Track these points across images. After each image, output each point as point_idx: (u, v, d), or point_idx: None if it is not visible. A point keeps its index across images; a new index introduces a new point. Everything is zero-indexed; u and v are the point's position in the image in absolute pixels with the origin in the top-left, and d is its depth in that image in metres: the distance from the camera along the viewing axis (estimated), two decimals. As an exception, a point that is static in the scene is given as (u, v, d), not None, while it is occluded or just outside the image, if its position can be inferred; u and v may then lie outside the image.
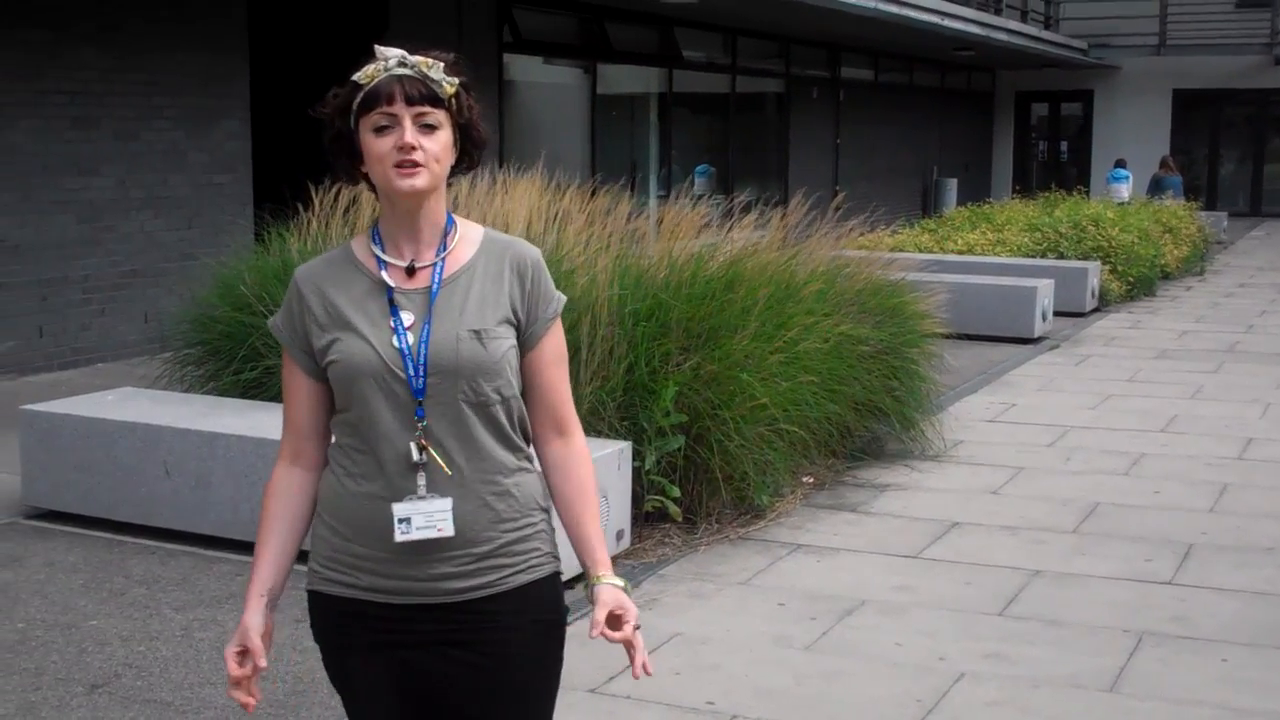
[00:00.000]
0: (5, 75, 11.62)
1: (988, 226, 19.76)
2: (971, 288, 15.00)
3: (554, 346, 3.00)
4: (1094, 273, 17.64)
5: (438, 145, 2.84)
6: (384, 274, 2.91)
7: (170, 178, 13.16)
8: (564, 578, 3.03)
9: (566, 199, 8.46)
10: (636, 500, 7.26)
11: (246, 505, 6.97)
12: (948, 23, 25.19)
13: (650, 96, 22.55)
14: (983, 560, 7.24)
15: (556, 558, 3.01)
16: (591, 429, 7.24)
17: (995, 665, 5.78)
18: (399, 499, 2.84)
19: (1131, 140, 35.28)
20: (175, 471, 7.22)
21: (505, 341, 2.90)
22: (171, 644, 5.86)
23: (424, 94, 2.82)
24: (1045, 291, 15.53)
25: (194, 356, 8.92)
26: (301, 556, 2.99)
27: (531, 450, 3.01)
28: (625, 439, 7.18)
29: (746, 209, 9.21)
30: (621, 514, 6.98)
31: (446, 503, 2.84)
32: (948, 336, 10.55)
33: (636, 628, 2.90)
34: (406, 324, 2.87)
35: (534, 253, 3.00)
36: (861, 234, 11.15)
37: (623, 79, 21.80)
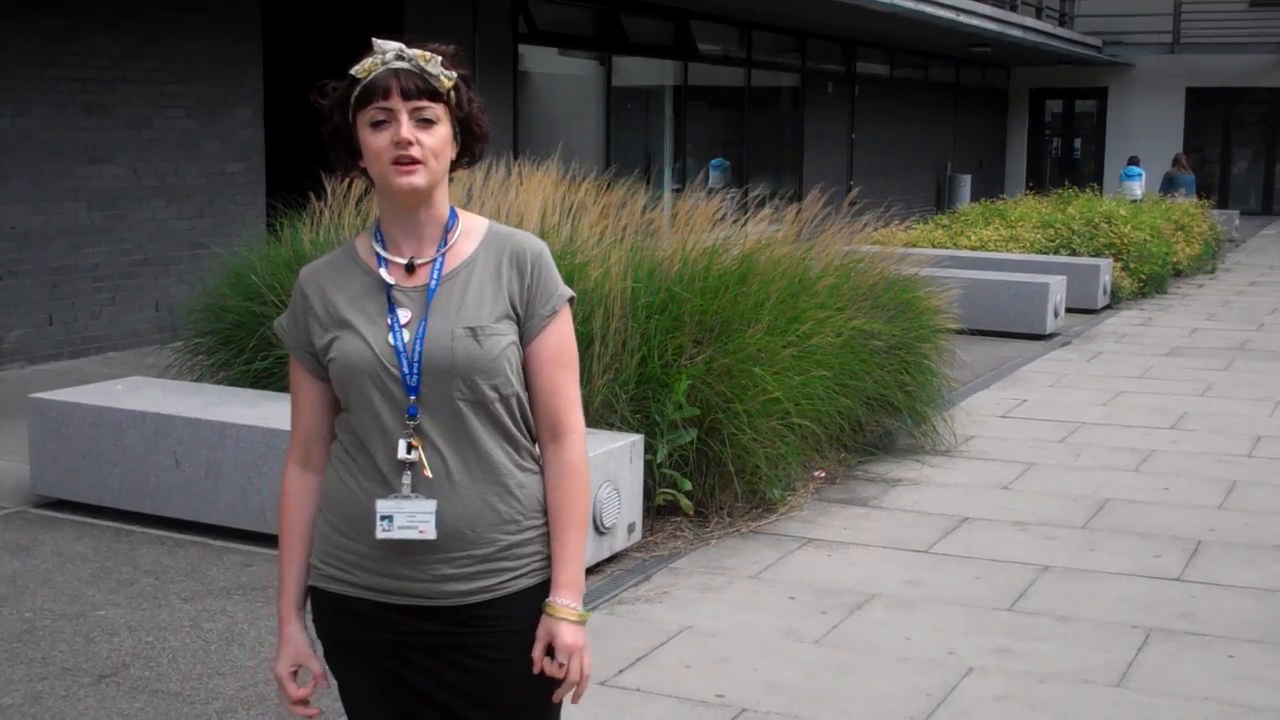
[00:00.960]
0: (19, 61, 11.62)
1: (1001, 223, 19.75)
2: (984, 284, 14.98)
3: (555, 344, 2.92)
4: (1106, 270, 17.61)
5: (436, 140, 2.81)
6: (383, 271, 2.88)
7: (182, 166, 13.16)
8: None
9: (581, 191, 8.45)
10: (648, 493, 7.25)
11: (256, 496, 6.97)
12: (964, 19, 25.15)
13: (665, 89, 22.52)
14: (992, 555, 7.23)
15: None
16: (604, 421, 7.24)
17: (1004, 660, 5.77)
18: (387, 496, 2.83)
19: (1145, 138, 35.27)
20: (185, 461, 7.22)
21: (504, 338, 2.85)
22: (180, 634, 5.86)
23: (421, 88, 2.79)
24: (1057, 288, 15.51)
25: (204, 346, 8.92)
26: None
27: (535, 449, 2.97)
28: (638, 432, 7.18)
29: (761, 203, 9.20)
30: (633, 507, 6.97)
31: (430, 504, 2.80)
32: (960, 332, 10.54)
33: (572, 667, 2.90)
34: (403, 321, 2.84)
35: (536, 245, 2.94)
36: (875, 229, 11.13)
37: (638, 71, 21.78)
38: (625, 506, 6.86)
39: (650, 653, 5.77)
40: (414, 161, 2.78)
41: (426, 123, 2.80)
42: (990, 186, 34.47)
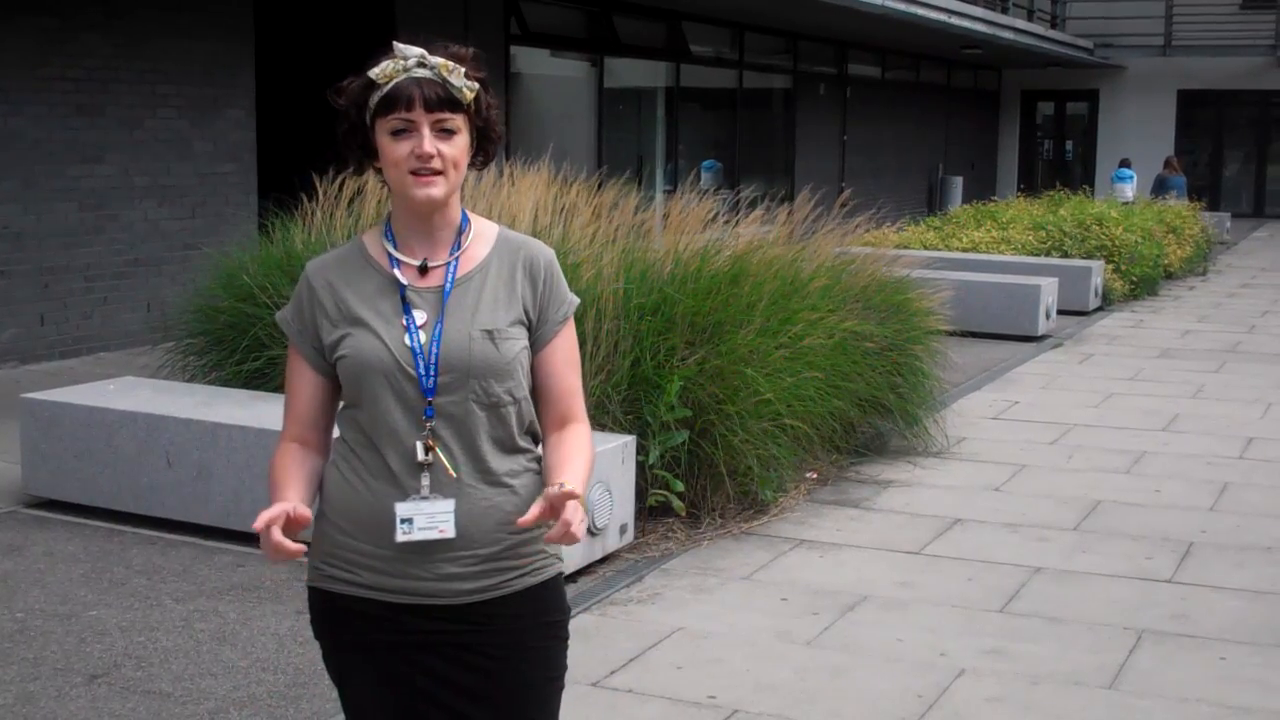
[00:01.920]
0: (10, 61, 11.61)
1: (992, 224, 19.76)
2: (976, 285, 14.99)
3: (565, 347, 2.97)
4: (1097, 272, 17.64)
5: (456, 150, 2.81)
6: (397, 272, 2.89)
7: (174, 166, 13.14)
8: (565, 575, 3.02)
9: (573, 192, 8.44)
10: (640, 494, 7.25)
11: (248, 496, 6.97)
12: (955, 21, 25.18)
13: (657, 91, 22.53)
14: (984, 557, 7.24)
15: (560, 558, 2.99)
16: (596, 423, 7.23)
17: (996, 661, 5.78)
18: (403, 498, 2.81)
19: (1136, 140, 35.29)
20: (177, 462, 7.21)
21: (517, 343, 2.88)
22: (172, 635, 5.85)
23: (443, 98, 2.78)
24: (1049, 290, 15.53)
25: (196, 346, 8.90)
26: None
27: (539, 451, 2.98)
28: (630, 433, 7.18)
29: (752, 204, 9.20)
30: (625, 508, 6.97)
31: (449, 504, 2.81)
32: (951, 334, 10.54)
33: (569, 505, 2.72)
34: (419, 322, 2.84)
35: (547, 253, 2.98)
36: (867, 231, 11.13)
37: (630, 73, 21.79)
38: (617, 508, 6.85)
39: (642, 654, 5.77)
40: (434, 173, 2.79)
41: (447, 133, 2.80)
42: (982, 188, 34.49)
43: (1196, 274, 21.91)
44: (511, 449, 2.90)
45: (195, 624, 5.97)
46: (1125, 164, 28.19)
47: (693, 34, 22.50)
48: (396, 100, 2.77)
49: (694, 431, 7.48)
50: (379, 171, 2.89)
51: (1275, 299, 19.31)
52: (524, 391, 2.90)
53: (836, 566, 7.05)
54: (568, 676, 3.05)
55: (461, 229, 2.93)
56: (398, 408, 2.82)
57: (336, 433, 2.98)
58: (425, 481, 2.82)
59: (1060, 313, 16.16)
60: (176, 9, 13.05)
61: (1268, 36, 35.54)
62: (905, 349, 9.48)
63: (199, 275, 9.63)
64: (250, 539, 6.94)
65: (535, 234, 7.84)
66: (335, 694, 3.05)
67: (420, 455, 2.81)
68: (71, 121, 12.18)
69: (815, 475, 8.55)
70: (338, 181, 8.70)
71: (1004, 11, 30.92)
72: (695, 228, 8.50)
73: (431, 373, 2.81)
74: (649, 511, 7.42)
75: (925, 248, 18.18)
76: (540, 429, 2.98)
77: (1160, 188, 26.96)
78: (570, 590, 3.06)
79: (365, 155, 2.88)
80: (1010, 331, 15.05)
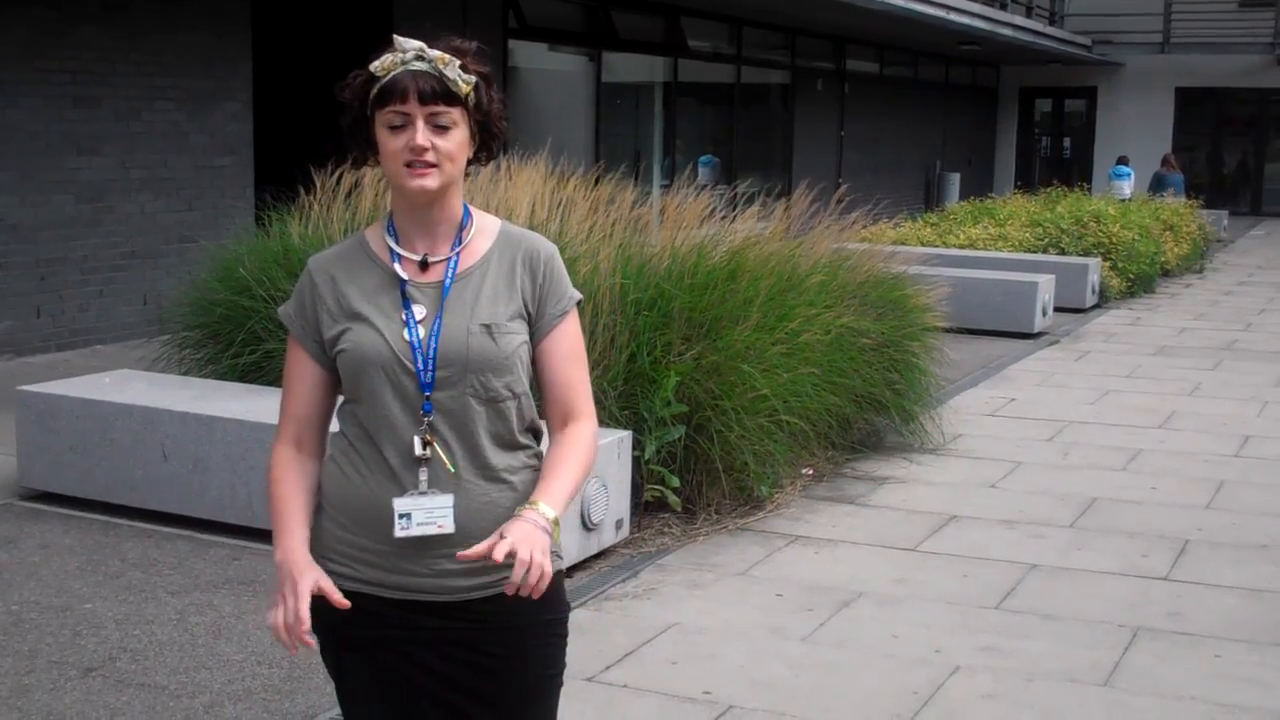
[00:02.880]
0: (7, 53, 11.59)
1: (990, 221, 19.77)
2: (973, 282, 14.98)
3: (566, 341, 2.96)
4: (1094, 269, 17.64)
5: (451, 144, 2.80)
6: (397, 267, 2.88)
7: (171, 159, 13.13)
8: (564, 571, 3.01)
9: (570, 187, 8.44)
10: (636, 490, 7.25)
11: (244, 489, 6.96)
12: (954, 17, 25.18)
13: (655, 85, 22.52)
14: (980, 554, 7.23)
15: (559, 555, 2.97)
16: (591, 418, 7.23)
17: (991, 658, 5.78)
18: (401, 493, 2.81)
19: (1134, 137, 35.31)
20: (173, 455, 7.20)
21: (516, 337, 2.87)
22: (167, 628, 5.84)
23: (439, 91, 2.77)
24: (1046, 287, 15.53)
25: (193, 339, 8.90)
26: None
27: (540, 448, 2.98)
28: (626, 428, 7.18)
29: (750, 200, 9.20)
30: (621, 503, 6.97)
31: (448, 499, 2.81)
32: (948, 330, 10.54)
33: (520, 557, 2.67)
34: (419, 317, 2.84)
35: (548, 248, 2.97)
36: (864, 227, 11.13)
37: (628, 67, 21.77)
38: (613, 503, 6.85)
39: (637, 649, 5.76)
40: (428, 165, 2.78)
41: (442, 127, 2.79)
42: (979, 185, 34.49)
43: (1194, 271, 21.92)
44: (511, 445, 2.89)
45: (190, 617, 5.97)
46: (1123, 161, 28.20)
47: (691, 29, 22.49)
48: (392, 93, 2.77)
49: (690, 427, 7.48)
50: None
51: (1272, 297, 19.32)
52: (524, 387, 2.89)
53: (832, 563, 7.05)
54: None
55: (463, 224, 2.92)
56: (396, 402, 2.82)
57: (336, 427, 2.97)
58: (423, 476, 2.81)
59: (1057, 310, 16.16)
60: (174, 1, 13.04)
61: (1266, 35, 35.57)
62: (902, 345, 9.48)
63: (195, 268, 9.62)
64: (245, 532, 6.95)
65: (532, 228, 7.83)
66: (331, 688, 3.05)
67: (418, 450, 2.81)
68: (68, 113, 12.16)
69: (811, 471, 8.55)
70: (335, 175, 8.70)
71: (1002, 8, 30.91)
72: (692, 223, 8.49)
73: (429, 367, 2.81)
74: (645, 507, 7.42)
75: (922, 244, 18.15)
76: (546, 422, 2.98)
77: (1158, 185, 26.96)
78: (566, 585, 3.05)
79: (368, 149, 2.88)
80: (1007, 328, 15.05)
